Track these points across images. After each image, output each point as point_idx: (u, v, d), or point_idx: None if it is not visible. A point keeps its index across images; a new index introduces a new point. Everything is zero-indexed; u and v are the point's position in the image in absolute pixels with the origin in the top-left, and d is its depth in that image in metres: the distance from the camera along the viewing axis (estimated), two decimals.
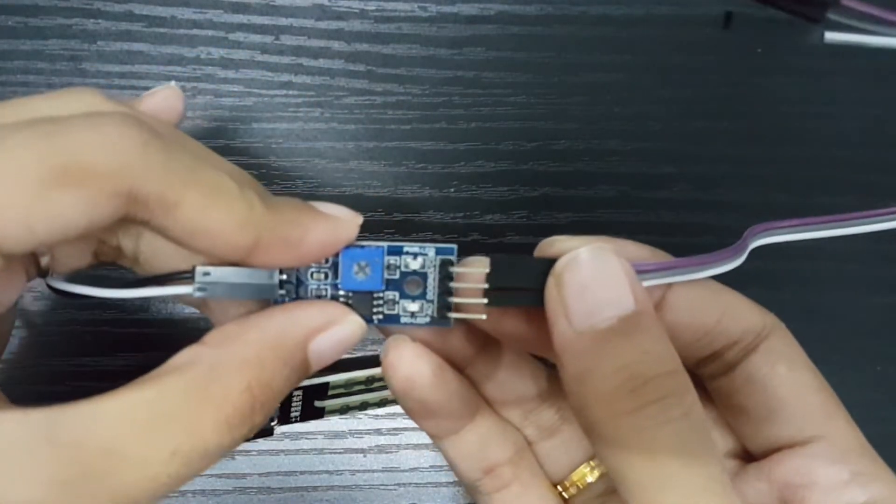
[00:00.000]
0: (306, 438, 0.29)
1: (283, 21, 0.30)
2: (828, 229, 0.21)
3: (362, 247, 0.19)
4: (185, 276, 0.18)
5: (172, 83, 0.21)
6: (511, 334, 0.20)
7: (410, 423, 0.29)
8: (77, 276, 0.20)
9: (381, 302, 0.19)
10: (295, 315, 0.18)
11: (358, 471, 0.29)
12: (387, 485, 0.29)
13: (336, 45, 0.30)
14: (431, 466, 0.29)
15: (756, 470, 0.20)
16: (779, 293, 0.30)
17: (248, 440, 0.27)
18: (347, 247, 0.19)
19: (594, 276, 0.17)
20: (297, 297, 0.19)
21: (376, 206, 0.30)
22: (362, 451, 0.29)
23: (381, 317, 0.19)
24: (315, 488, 0.29)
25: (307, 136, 0.30)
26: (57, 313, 0.28)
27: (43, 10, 0.29)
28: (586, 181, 0.30)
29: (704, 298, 0.19)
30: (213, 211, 0.16)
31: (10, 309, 0.19)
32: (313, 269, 0.19)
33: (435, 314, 0.19)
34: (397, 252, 0.19)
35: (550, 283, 0.18)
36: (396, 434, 0.29)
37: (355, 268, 0.19)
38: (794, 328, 0.30)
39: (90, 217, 0.16)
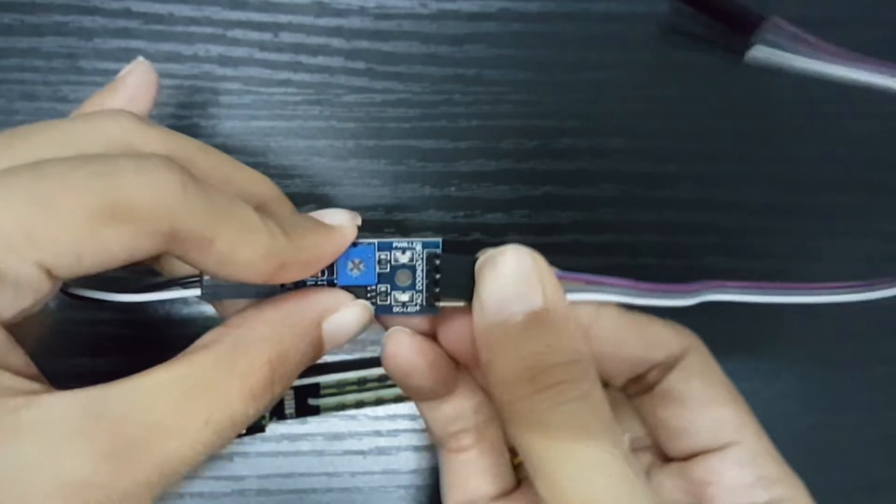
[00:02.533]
0: (305, 440, 0.28)
1: (282, 18, 0.30)
2: (779, 296, 0.22)
3: (356, 244, 0.21)
4: (193, 281, 0.20)
5: (140, 58, 0.23)
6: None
7: (410, 425, 0.29)
8: (90, 281, 0.21)
9: (374, 294, 0.21)
10: (309, 297, 0.20)
11: (357, 473, 0.29)
12: (386, 487, 0.29)
13: (335, 42, 0.30)
14: (431, 468, 0.29)
15: (675, 466, 0.23)
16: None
17: (239, 435, 0.27)
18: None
19: (507, 273, 0.19)
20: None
21: (376, 205, 0.29)
22: (361, 452, 0.29)
23: (374, 307, 0.21)
24: (314, 490, 0.28)
25: (306, 134, 0.30)
26: (54, 315, 0.27)
27: (39, 7, 0.29)
28: (589, 180, 0.30)
29: (630, 331, 0.21)
30: (242, 246, 0.18)
31: (43, 308, 0.20)
32: None
33: (424, 303, 0.21)
34: (387, 248, 0.21)
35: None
36: (396, 436, 0.29)
37: (350, 265, 0.21)
38: (794, 329, 0.30)
39: (132, 251, 0.17)
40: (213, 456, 0.28)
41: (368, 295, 0.21)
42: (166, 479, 0.17)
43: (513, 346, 0.19)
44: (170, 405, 0.17)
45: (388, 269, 0.21)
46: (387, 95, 0.30)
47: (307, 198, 0.29)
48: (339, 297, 0.20)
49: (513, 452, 0.24)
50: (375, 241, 0.21)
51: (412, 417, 0.29)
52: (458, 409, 0.23)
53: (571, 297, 0.20)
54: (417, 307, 0.21)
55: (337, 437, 0.28)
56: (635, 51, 0.31)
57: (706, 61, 0.31)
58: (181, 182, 0.18)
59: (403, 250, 0.21)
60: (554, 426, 0.18)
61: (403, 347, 0.22)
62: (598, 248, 0.30)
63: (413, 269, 0.21)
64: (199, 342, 0.19)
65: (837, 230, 0.31)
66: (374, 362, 0.28)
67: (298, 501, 0.28)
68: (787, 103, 0.31)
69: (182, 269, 0.22)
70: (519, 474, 0.24)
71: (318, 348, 0.20)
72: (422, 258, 0.21)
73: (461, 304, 0.20)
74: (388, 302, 0.21)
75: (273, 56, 0.30)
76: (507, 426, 0.19)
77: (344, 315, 0.20)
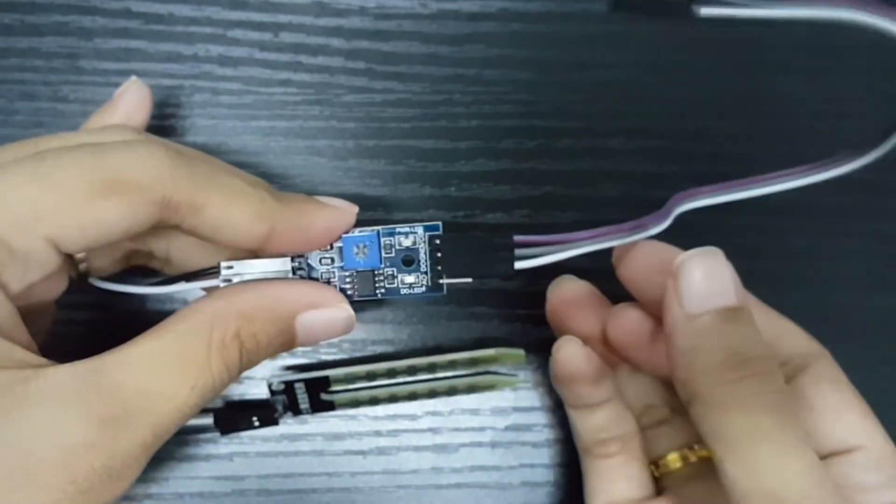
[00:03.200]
0: (305, 440, 0.28)
1: (282, 18, 0.30)
2: (745, 191, 0.24)
3: (359, 232, 0.22)
4: (211, 272, 0.22)
5: (133, 77, 0.25)
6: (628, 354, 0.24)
7: (410, 425, 0.29)
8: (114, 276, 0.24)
9: (381, 278, 0.22)
10: (292, 287, 0.22)
11: (357, 473, 0.29)
12: (386, 487, 0.29)
13: (335, 42, 0.30)
14: (431, 468, 0.29)
15: None
16: (785, 295, 0.30)
17: (254, 427, 0.27)
18: (347, 234, 0.22)
19: (707, 271, 0.21)
20: (311, 277, 0.22)
21: (376, 204, 0.29)
22: (362, 452, 0.29)
23: (383, 290, 0.22)
24: (314, 490, 0.28)
25: (306, 133, 0.30)
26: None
27: (39, 7, 0.29)
28: (588, 180, 0.30)
29: (761, 321, 0.21)
30: (232, 208, 0.20)
31: (52, 303, 0.22)
32: (321, 256, 0.22)
33: (430, 283, 0.22)
34: (390, 234, 0.22)
35: (669, 279, 0.21)
36: (396, 436, 0.29)
37: (355, 249, 0.22)
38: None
39: (130, 221, 0.19)
40: (211, 456, 0.28)
41: (375, 278, 0.22)
42: (159, 439, 0.19)
43: (715, 337, 0.20)
44: (160, 373, 0.19)
45: (393, 254, 0.22)
46: (387, 95, 0.30)
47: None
48: (323, 293, 0.22)
49: (654, 464, 0.26)
50: (379, 228, 0.22)
51: (412, 417, 0.29)
52: (608, 418, 0.25)
53: (546, 259, 0.22)
54: (423, 288, 0.22)
55: (337, 437, 0.28)
56: (635, 51, 0.31)
57: (706, 62, 0.31)
58: (167, 155, 0.19)
59: (406, 234, 0.22)
60: (755, 409, 0.19)
61: (575, 356, 0.24)
62: None
63: (416, 251, 0.22)
64: (180, 313, 0.20)
65: (837, 230, 0.31)
66: (383, 358, 0.28)
67: (298, 501, 0.28)
68: (784, 104, 0.31)
69: (190, 265, 0.23)
70: (659, 485, 0.26)
71: (290, 338, 0.21)
72: (424, 241, 0.22)
73: (466, 280, 0.22)
74: (396, 284, 0.22)
75: (273, 56, 0.30)
76: (700, 410, 0.20)
77: (322, 314, 0.22)
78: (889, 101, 0.31)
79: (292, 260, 0.22)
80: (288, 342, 0.22)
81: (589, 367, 0.24)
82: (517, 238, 0.22)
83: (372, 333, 0.29)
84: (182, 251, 0.24)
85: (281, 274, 0.22)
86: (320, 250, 0.22)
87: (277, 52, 0.30)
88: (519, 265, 0.22)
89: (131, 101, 0.25)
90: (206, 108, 0.29)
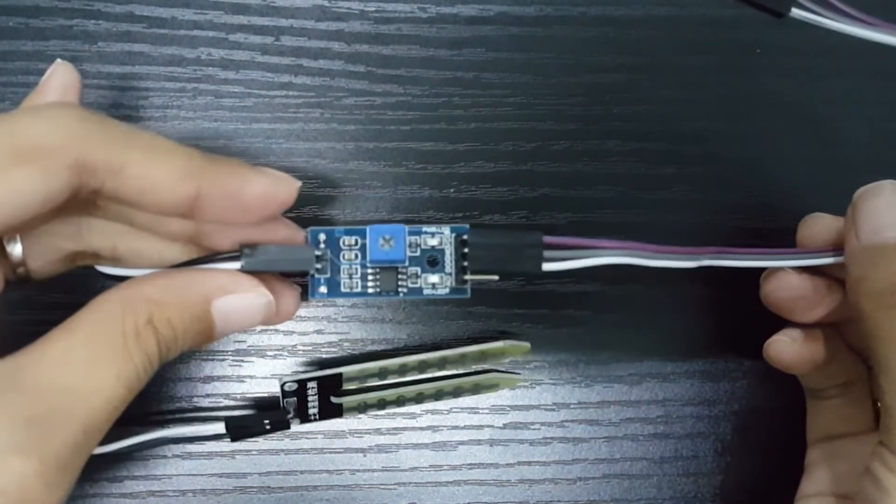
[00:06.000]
0: (306, 438, 0.29)
1: (284, 22, 0.30)
2: (775, 260, 0.24)
3: (387, 223, 0.22)
4: (231, 255, 0.21)
5: (59, 60, 0.24)
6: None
7: (410, 423, 0.29)
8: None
9: (405, 276, 0.22)
10: (204, 273, 0.21)
11: (357, 470, 0.29)
12: (386, 484, 0.29)
13: (336, 46, 0.30)
14: (431, 466, 0.29)
15: None
16: None
17: (266, 433, 0.28)
18: (373, 224, 0.22)
19: (884, 202, 0.22)
20: (332, 270, 0.22)
21: (377, 206, 0.30)
22: (362, 450, 0.29)
23: (405, 290, 0.22)
24: (315, 487, 0.29)
25: (307, 136, 0.30)
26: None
27: (44, 10, 0.29)
28: (586, 182, 0.30)
29: None
30: (154, 166, 0.19)
31: None
32: (344, 250, 0.22)
33: (454, 284, 0.22)
34: (417, 233, 0.22)
35: (849, 207, 0.23)
36: (396, 433, 0.29)
37: (381, 241, 0.22)
38: None
39: (47, 189, 0.18)
40: (214, 454, 0.28)
41: (399, 276, 0.22)
42: (91, 437, 0.18)
43: (882, 266, 0.22)
44: (81, 367, 0.18)
45: (418, 253, 0.22)
46: (386, 98, 0.30)
47: (308, 199, 0.29)
48: (237, 280, 0.21)
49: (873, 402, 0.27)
50: (405, 225, 0.22)
51: (412, 416, 0.29)
52: (830, 374, 0.26)
53: (575, 262, 0.22)
54: (447, 289, 0.22)
55: (337, 434, 0.29)
56: (632, 54, 0.31)
57: (703, 65, 0.31)
58: (78, 116, 0.18)
59: (433, 234, 0.22)
60: None
61: (785, 354, 0.26)
62: None
63: (442, 252, 0.22)
64: (88, 305, 0.19)
65: None
66: (394, 354, 0.28)
67: (299, 499, 0.29)
68: (785, 104, 0.31)
69: (140, 263, 0.22)
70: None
71: (207, 326, 0.21)
72: (450, 242, 0.22)
73: (492, 278, 0.22)
74: (419, 284, 0.22)
75: (274, 59, 0.30)
76: (871, 333, 0.22)
77: (238, 299, 0.21)
78: (888, 102, 0.32)
79: (316, 247, 0.22)
80: (206, 330, 0.21)
81: (799, 359, 0.25)
82: (547, 239, 0.22)
83: (372, 333, 0.29)
84: (130, 247, 0.22)
85: (305, 260, 0.21)
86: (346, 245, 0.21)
87: (279, 56, 0.30)
88: (546, 266, 0.22)
89: (60, 85, 0.23)
90: (208, 110, 0.30)
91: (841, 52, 0.31)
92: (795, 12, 0.23)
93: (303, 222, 0.29)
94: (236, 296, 0.21)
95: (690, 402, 0.30)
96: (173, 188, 0.19)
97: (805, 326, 0.26)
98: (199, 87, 0.30)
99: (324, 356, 0.29)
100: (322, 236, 0.23)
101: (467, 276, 0.22)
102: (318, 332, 0.29)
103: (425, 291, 0.22)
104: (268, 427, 0.27)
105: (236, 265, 0.21)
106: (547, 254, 0.22)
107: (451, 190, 0.30)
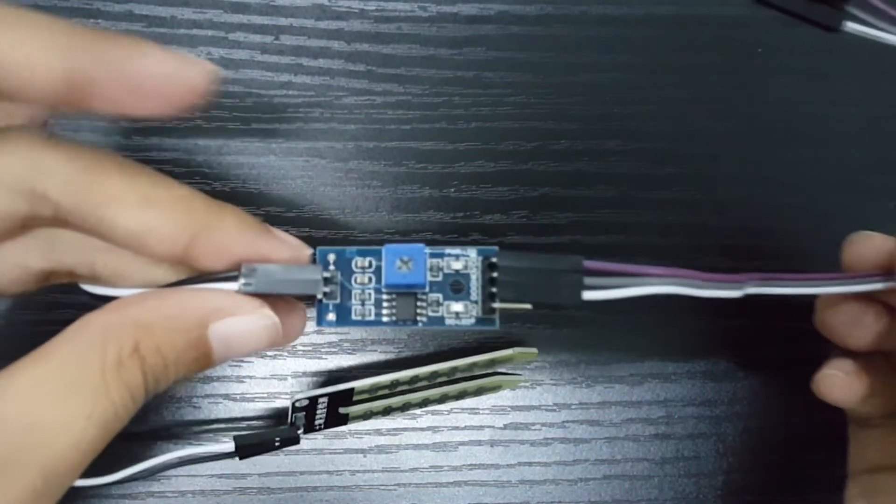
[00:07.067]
0: (306, 439, 0.29)
1: (283, 21, 0.30)
2: (822, 287, 0.22)
3: (404, 242, 0.20)
4: (228, 276, 0.19)
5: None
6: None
7: (410, 424, 0.29)
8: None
9: (424, 303, 0.19)
10: (200, 293, 0.18)
11: (357, 471, 0.29)
12: (386, 485, 0.29)
13: (336, 45, 0.30)
14: (431, 467, 0.29)
15: None
16: None
17: (275, 448, 0.27)
18: (389, 243, 0.19)
19: None
20: (343, 295, 0.20)
21: (377, 206, 0.30)
22: (362, 451, 0.29)
23: (424, 319, 0.19)
24: (315, 488, 0.29)
25: (307, 135, 0.30)
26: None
27: (43, 10, 0.29)
28: (586, 181, 0.30)
29: None
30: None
31: None
32: (357, 272, 0.20)
33: (480, 314, 0.19)
34: (439, 255, 0.19)
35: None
36: (396, 434, 0.29)
37: (398, 263, 0.19)
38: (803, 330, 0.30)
39: None
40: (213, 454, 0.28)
41: (418, 303, 0.19)
42: (53, 486, 0.16)
43: None
44: (48, 402, 0.16)
45: (440, 277, 0.19)
46: (387, 97, 0.30)
47: (308, 199, 0.29)
48: (237, 300, 0.18)
49: None
50: (425, 245, 0.20)
51: (412, 416, 0.29)
52: (874, 403, 0.25)
53: (618, 292, 0.19)
54: (472, 319, 0.20)
55: (337, 435, 0.29)
56: (632, 53, 0.31)
57: (703, 64, 0.31)
58: (38, 140, 0.17)
59: (457, 257, 0.19)
60: None
61: (837, 389, 0.24)
62: (595, 249, 0.30)
63: (467, 277, 0.20)
64: (67, 329, 0.17)
65: (836, 231, 0.31)
66: (395, 356, 0.28)
67: (299, 499, 0.29)
68: (785, 104, 0.31)
69: (124, 281, 0.20)
70: None
71: (204, 353, 0.18)
72: (477, 265, 0.19)
73: (525, 307, 0.19)
74: (440, 313, 0.19)
75: (274, 59, 0.30)
76: None
77: (239, 322, 0.18)
78: (888, 102, 0.32)
79: (324, 269, 0.19)
80: (202, 357, 0.18)
81: (851, 394, 0.24)
82: (587, 264, 0.20)
83: (372, 333, 0.29)
84: (111, 266, 0.20)
85: (311, 282, 0.19)
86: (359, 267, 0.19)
87: (278, 55, 0.30)
88: (587, 295, 0.19)
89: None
90: (207, 110, 0.30)
91: (841, 52, 0.31)
92: (850, 26, 0.21)
93: (303, 222, 0.29)
94: (237, 318, 0.18)
95: (692, 403, 0.30)
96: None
97: (854, 355, 0.25)
98: None
99: (324, 356, 0.29)
100: (331, 256, 0.20)
101: (496, 305, 0.19)
102: (318, 332, 0.29)
103: (447, 321, 0.19)
104: (277, 444, 0.27)
105: (233, 286, 0.18)
106: (586, 280, 0.19)
107: (452, 189, 0.30)
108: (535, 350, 0.28)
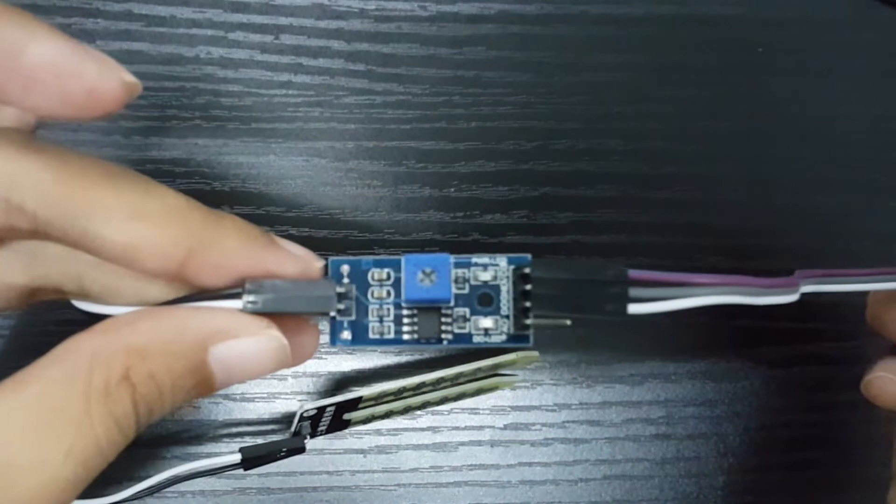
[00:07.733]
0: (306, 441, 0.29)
1: (283, 20, 0.30)
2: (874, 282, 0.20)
3: (427, 251, 0.18)
4: (233, 292, 0.17)
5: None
6: None
7: (410, 424, 0.29)
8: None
9: (449, 319, 0.18)
10: (200, 312, 0.17)
11: (357, 471, 0.29)
12: (386, 485, 0.29)
13: (336, 44, 0.30)
14: (431, 467, 0.29)
15: None
16: None
17: (280, 458, 0.27)
18: (409, 254, 0.18)
19: None
20: (359, 312, 0.18)
21: (376, 205, 0.30)
22: (362, 451, 0.29)
23: (450, 336, 0.18)
24: (315, 489, 0.29)
25: (307, 135, 0.30)
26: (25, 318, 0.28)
27: (42, 9, 0.29)
28: (587, 181, 0.30)
29: None
30: (141, 211, 0.15)
31: None
32: (374, 286, 0.18)
33: (511, 330, 0.18)
34: (466, 264, 0.18)
35: None
36: (396, 434, 0.29)
37: (420, 274, 0.17)
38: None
39: None
40: (213, 454, 0.28)
41: (442, 320, 0.18)
42: None
43: None
44: (22, 437, 0.14)
45: (467, 290, 0.18)
46: (387, 97, 0.30)
47: (308, 199, 0.29)
48: (241, 320, 0.17)
49: None
50: (449, 255, 0.18)
51: (412, 417, 0.29)
52: None
53: (667, 304, 0.18)
54: (503, 336, 0.18)
55: (337, 435, 0.29)
56: (633, 53, 0.31)
57: (704, 64, 0.31)
58: (13, 145, 0.15)
59: (485, 267, 0.18)
60: None
61: (888, 391, 0.23)
62: (596, 249, 0.30)
63: (497, 289, 0.18)
64: (51, 353, 0.15)
65: (837, 231, 0.31)
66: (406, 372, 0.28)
67: (299, 500, 0.28)
68: (785, 104, 0.31)
69: (114, 298, 0.18)
70: None
71: (204, 378, 0.16)
72: (508, 275, 0.18)
73: (563, 323, 0.18)
74: (468, 329, 0.18)
75: (274, 58, 0.30)
76: None
77: (241, 345, 0.17)
78: (889, 102, 0.32)
79: (337, 283, 0.17)
80: (202, 384, 0.17)
81: None
82: (633, 273, 0.18)
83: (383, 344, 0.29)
84: (100, 282, 0.18)
85: (323, 299, 0.17)
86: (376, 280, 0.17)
87: (278, 55, 0.30)
88: (633, 309, 0.18)
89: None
90: (207, 110, 0.29)
91: (841, 52, 0.31)
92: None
93: (302, 222, 0.29)
94: (241, 340, 0.16)
95: (692, 403, 0.30)
96: (161, 239, 0.16)
97: None
98: (198, 86, 0.30)
99: (323, 356, 0.29)
100: (345, 268, 0.18)
101: (530, 321, 0.17)
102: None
103: (475, 338, 0.18)
104: (283, 454, 0.27)
105: (237, 304, 0.17)
106: (631, 292, 0.18)
107: (452, 189, 0.30)
108: (536, 353, 0.28)
